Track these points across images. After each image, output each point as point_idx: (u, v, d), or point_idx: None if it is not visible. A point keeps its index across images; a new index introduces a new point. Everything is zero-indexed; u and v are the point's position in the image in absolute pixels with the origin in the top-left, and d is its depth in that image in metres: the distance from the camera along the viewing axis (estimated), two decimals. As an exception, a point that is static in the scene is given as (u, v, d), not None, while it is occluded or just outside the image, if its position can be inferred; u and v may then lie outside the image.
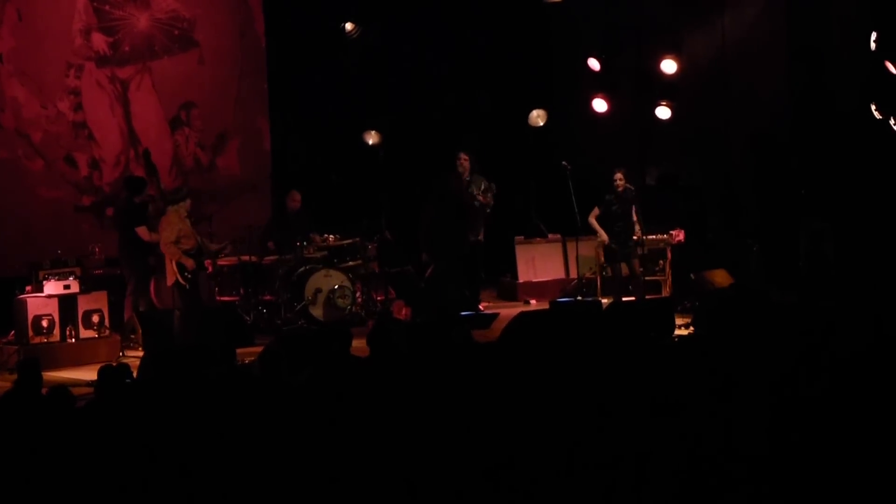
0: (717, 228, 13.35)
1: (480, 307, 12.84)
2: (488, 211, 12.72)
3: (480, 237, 12.77)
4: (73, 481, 5.12)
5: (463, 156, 12.69)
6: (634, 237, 12.11)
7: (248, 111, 14.67)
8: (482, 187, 12.68)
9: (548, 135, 14.65)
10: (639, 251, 12.21)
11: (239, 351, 9.32)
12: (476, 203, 12.52)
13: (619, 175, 12.07)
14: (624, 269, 12.27)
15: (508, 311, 11.81)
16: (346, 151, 14.28)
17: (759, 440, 4.91)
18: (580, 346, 6.90)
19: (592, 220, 12.28)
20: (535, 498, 4.82)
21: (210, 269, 11.05)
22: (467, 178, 12.63)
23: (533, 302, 13.78)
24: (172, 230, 10.73)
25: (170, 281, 10.82)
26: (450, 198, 12.06)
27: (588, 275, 13.50)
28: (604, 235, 12.25)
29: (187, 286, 10.70)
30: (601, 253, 13.03)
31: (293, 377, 6.39)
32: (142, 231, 11.64)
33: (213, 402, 5.72)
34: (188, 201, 10.92)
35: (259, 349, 8.02)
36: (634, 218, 12.11)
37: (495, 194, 12.65)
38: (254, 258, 12.45)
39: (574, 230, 12.77)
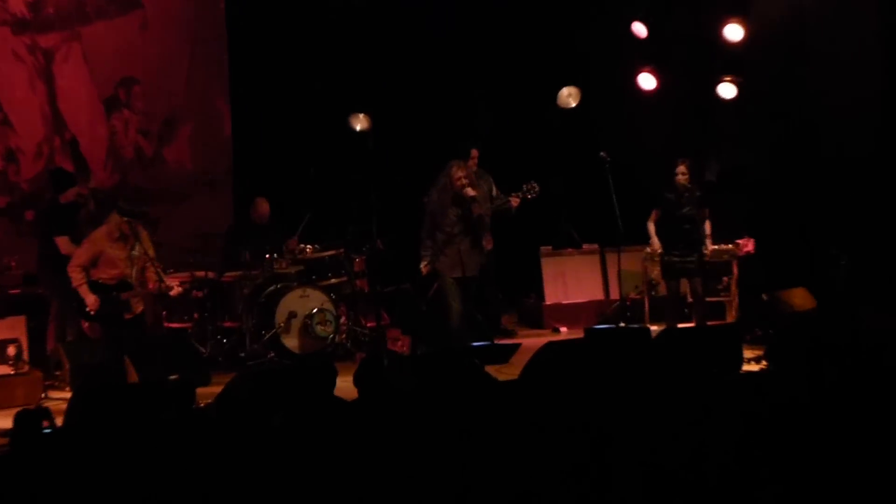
0: (794, 236, 13.33)
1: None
2: (513, 213, 12.59)
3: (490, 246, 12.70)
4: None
5: (473, 152, 12.73)
6: (704, 250, 12.10)
7: (203, 89, 14.75)
8: (492, 190, 12.61)
9: (582, 118, 14.65)
10: (706, 268, 12.20)
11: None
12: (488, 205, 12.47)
13: (681, 168, 12.05)
14: (684, 286, 12.26)
15: (532, 340, 11.82)
16: (328, 140, 14.29)
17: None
18: (623, 384, 6.88)
19: (651, 226, 12.29)
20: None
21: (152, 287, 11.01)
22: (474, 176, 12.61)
23: (563, 329, 13.81)
24: (89, 251, 10.73)
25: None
26: (444, 195, 11.83)
27: (633, 295, 13.51)
28: (656, 244, 12.25)
29: (87, 320, 10.82)
30: (651, 267, 13.00)
31: (261, 425, 6.37)
32: (61, 241, 11.56)
33: (159, 454, 5.71)
34: (127, 221, 10.72)
35: (218, 389, 8.01)
36: (707, 227, 12.12)
37: (534, 196, 12.47)
38: (211, 275, 12.44)
39: (615, 239, 12.73)
